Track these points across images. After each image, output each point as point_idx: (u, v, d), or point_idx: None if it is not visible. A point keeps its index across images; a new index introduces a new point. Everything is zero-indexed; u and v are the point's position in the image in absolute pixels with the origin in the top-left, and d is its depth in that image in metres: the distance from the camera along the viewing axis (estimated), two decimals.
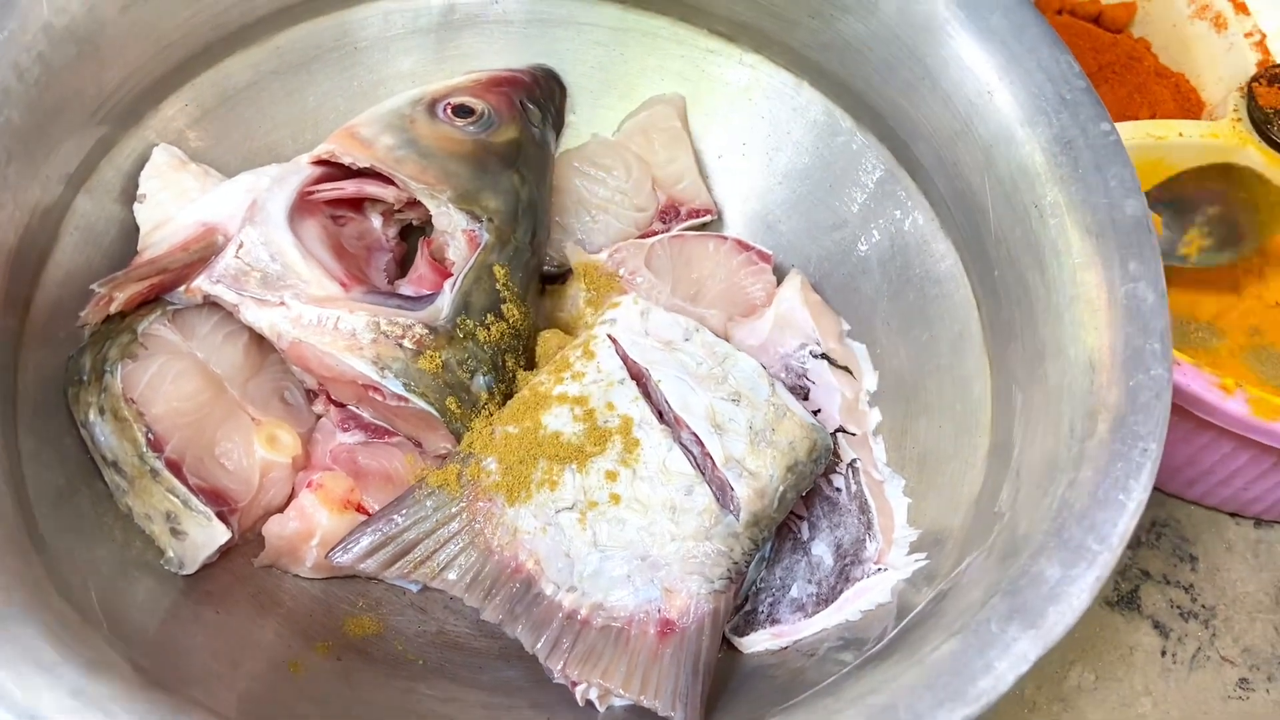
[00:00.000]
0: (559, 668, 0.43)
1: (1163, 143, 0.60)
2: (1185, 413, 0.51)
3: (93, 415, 0.44)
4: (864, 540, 0.48)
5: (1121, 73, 0.68)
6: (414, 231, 0.56)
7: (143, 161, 0.50)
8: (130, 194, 0.50)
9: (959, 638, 0.33)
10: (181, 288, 0.48)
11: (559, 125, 0.61)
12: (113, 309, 0.46)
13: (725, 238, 0.59)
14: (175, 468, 0.44)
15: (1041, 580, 0.34)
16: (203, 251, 0.48)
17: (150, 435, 0.44)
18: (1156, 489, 0.59)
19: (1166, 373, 0.38)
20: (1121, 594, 0.56)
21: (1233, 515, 0.59)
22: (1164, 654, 0.55)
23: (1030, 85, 0.47)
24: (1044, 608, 0.33)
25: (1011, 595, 0.34)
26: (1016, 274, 0.46)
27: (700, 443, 0.45)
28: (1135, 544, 0.58)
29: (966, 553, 0.41)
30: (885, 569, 0.47)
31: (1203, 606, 0.56)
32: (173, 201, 0.49)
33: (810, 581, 0.48)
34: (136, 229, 0.49)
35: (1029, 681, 0.52)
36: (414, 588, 0.49)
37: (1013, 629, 0.33)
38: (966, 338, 0.50)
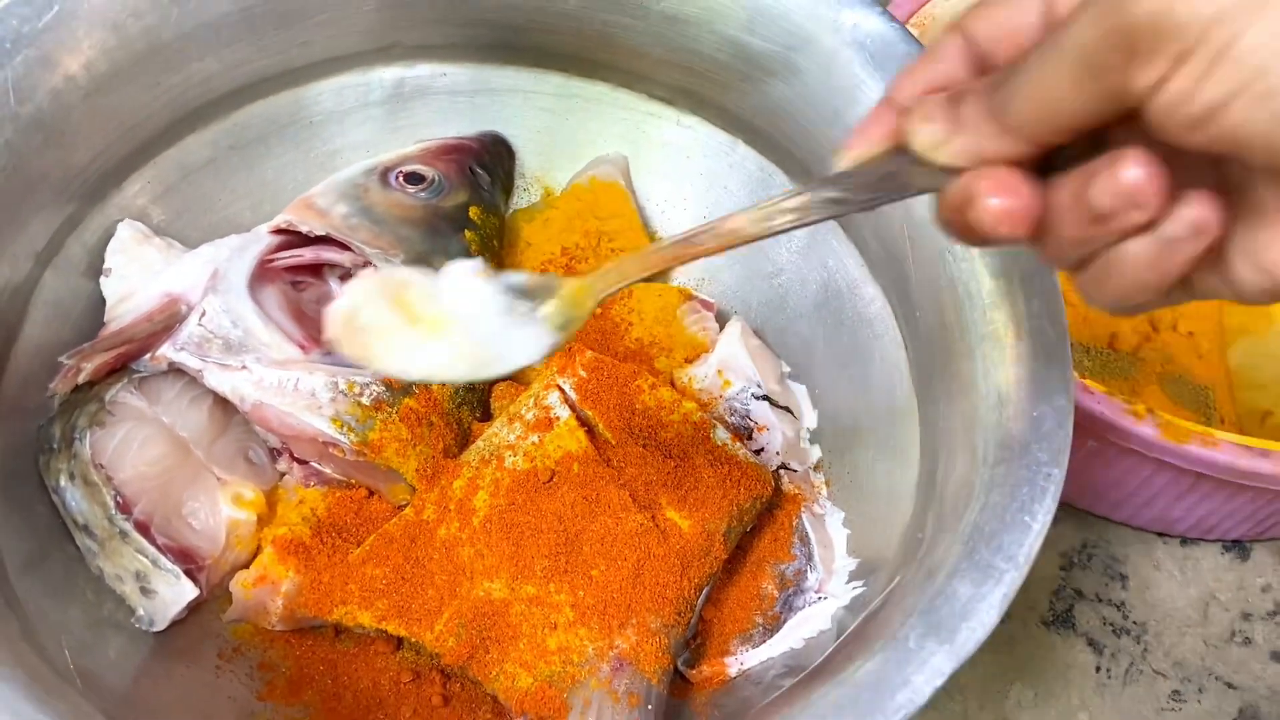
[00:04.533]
0: (519, 707, 0.45)
1: None
2: (1103, 439, 0.54)
3: (63, 481, 0.46)
4: (805, 571, 0.50)
5: None
6: None
7: (108, 237, 0.52)
8: (96, 268, 0.52)
9: (880, 656, 0.36)
10: (147, 356, 0.50)
11: (509, 187, 0.64)
12: (81, 379, 0.48)
13: (670, 286, 0.62)
14: (144, 528, 0.46)
15: (955, 598, 0.36)
16: (167, 321, 0.50)
17: (119, 498, 0.46)
18: (1086, 511, 0.62)
19: (1068, 402, 0.41)
20: (1057, 613, 0.59)
21: (1159, 535, 0.62)
22: (1099, 670, 0.57)
23: None
24: (957, 624, 0.36)
25: (927, 614, 0.36)
26: (936, 314, 0.49)
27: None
28: (1068, 565, 0.61)
29: (894, 577, 0.44)
30: (826, 597, 0.49)
31: (1134, 623, 0.59)
32: (137, 274, 0.52)
33: (756, 613, 0.50)
34: (103, 301, 0.51)
35: (971, 699, 0.54)
36: None
37: (929, 645, 0.35)
38: (896, 376, 0.53)
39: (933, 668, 0.35)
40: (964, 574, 0.37)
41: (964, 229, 0.30)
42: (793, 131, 0.57)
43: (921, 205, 0.50)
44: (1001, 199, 0.28)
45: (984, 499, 0.40)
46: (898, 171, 0.32)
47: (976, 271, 0.46)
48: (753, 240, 0.34)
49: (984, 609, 0.36)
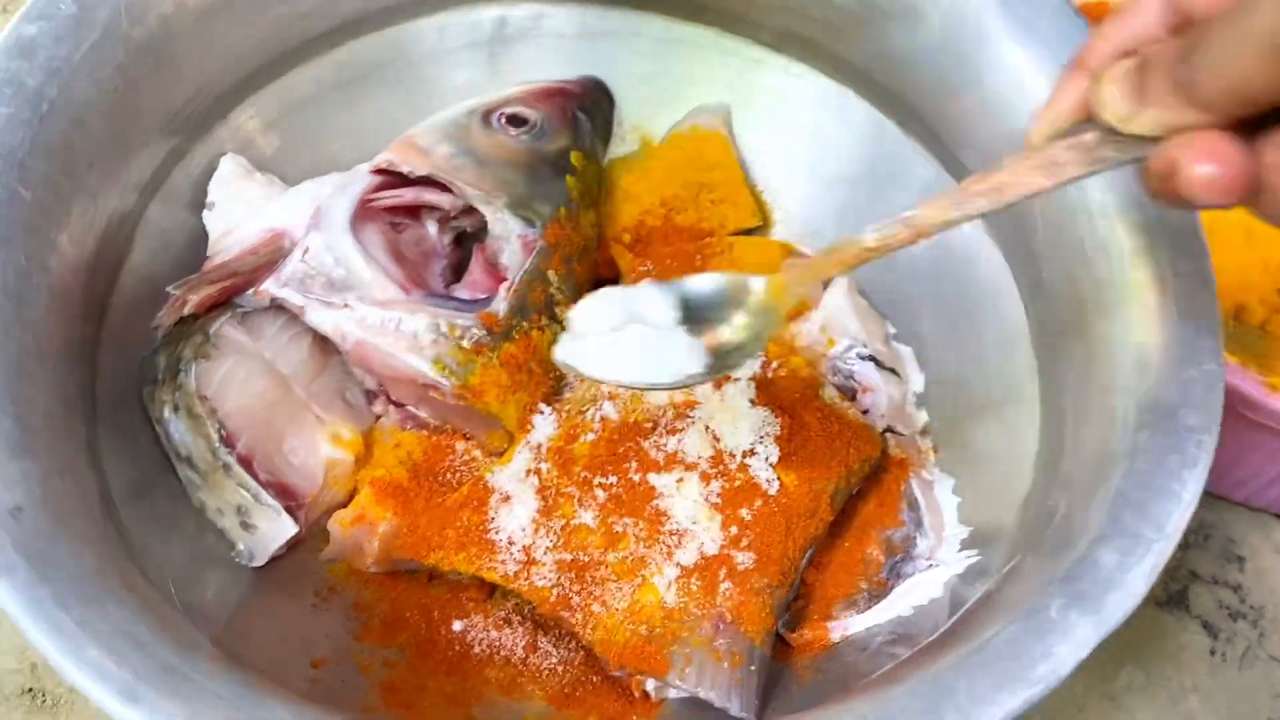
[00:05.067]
0: (617, 660, 0.44)
1: None
2: (1233, 412, 0.51)
3: (168, 413, 0.46)
4: (914, 537, 0.49)
5: None
6: (466, 239, 0.58)
7: (211, 170, 0.52)
8: (199, 201, 0.51)
9: (1017, 625, 0.34)
10: (250, 291, 0.49)
11: (607, 135, 0.63)
12: (186, 310, 0.48)
13: (773, 243, 0.60)
14: (246, 463, 0.46)
15: (1099, 567, 0.34)
16: (270, 256, 0.50)
17: (223, 432, 0.46)
18: (1204, 491, 0.59)
19: (1219, 367, 0.39)
20: (1170, 594, 0.56)
21: (1279, 516, 0.59)
22: (1213, 653, 0.55)
23: None
24: (1102, 595, 0.34)
25: (1068, 583, 0.34)
26: (1065, 275, 0.46)
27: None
28: (1184, 545, 0.58)
29: (1019, 548, 0.42)
30: (937, 565, 0.47)
31: (1251, 607, 0.56)
32: (240, 209, 0.51)
33: (861, 578, 0.48)
34: (205, 235, 0.51)
35: (1079, 680, 0.52)
36: None
37: (1073, 615, 0.33)
38: (1014, 338, 0.51)
39: (1077, 639, 0.33)
40: (1109, 542, 0.35)
41: (1172, 197, 0.29)
42: (912, 82, 0.54)
43: None
44: (1208, 167, 0.27)
45: (1128, 464, 0.37)
46: (1094, 143, 0.31)
47: (1115, 229, 0.44)
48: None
49: (1131, 579, 0.34)
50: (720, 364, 0.40)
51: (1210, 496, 0.59)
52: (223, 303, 0.49)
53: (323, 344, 0.51)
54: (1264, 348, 0.58)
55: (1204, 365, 0.39)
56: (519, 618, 0.48)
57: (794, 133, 0.61)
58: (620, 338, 0.39)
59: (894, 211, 0.57)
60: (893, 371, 0.55)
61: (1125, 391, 0.40)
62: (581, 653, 0.47)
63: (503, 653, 0.48)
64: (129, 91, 0.46)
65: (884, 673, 0.39)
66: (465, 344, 0.49)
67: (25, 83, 0.41)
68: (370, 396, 0.53)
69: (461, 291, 0.53)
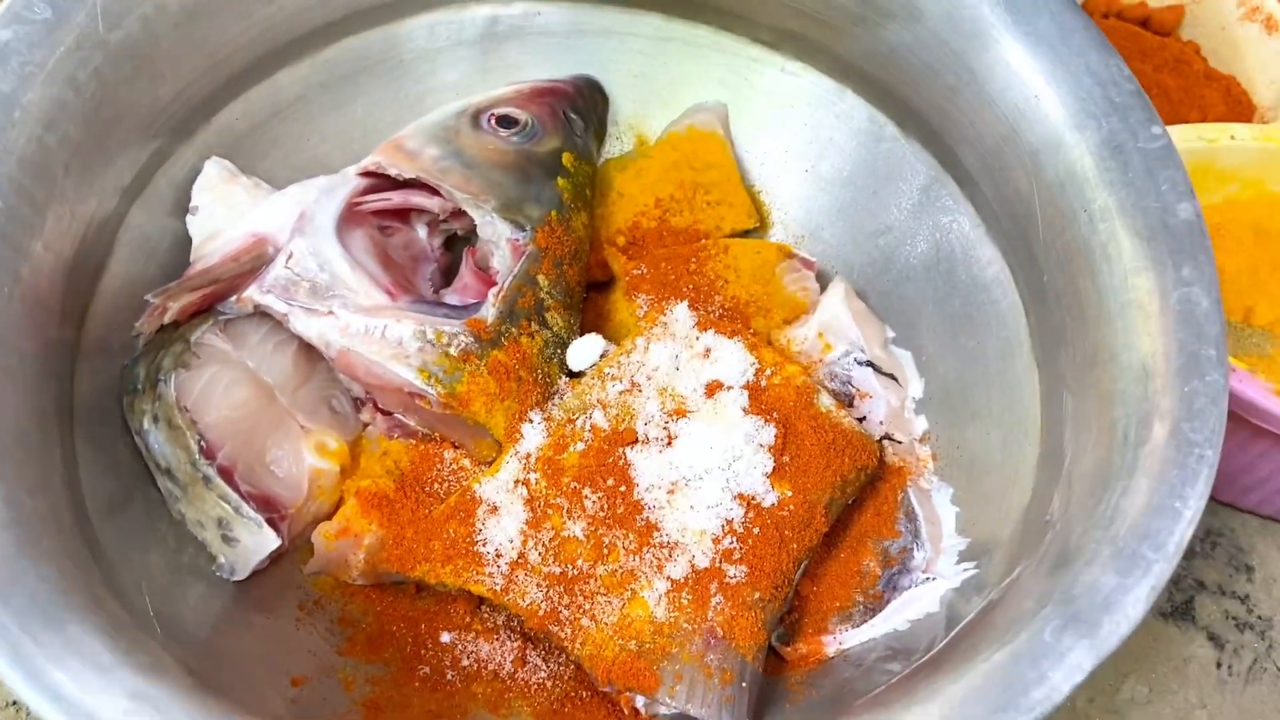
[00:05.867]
0: (606, 676, 0.43)
1: (1214, 145, 0.59)
2: (1240, 420, 0.50)
3: (147, 423, 0.45)
4: (911, 549, 0.48)
5: (1171, 76, 0.67)
6: (458, 241, 0.57)
7: (195, 174, 0.51)
8: (183, 206, 0.50)
9: (1011, 647, 0.33)
10: (233, 298, 0.48)
11: (601, 134, 0.62)
12: (167, 319, 0.47)
13: (768, 243, 0.58)
14: (227, 474, 0.45)
15: (1096, 589, 0.33)
16: (253, 262, 0.49)
17: (203, 443, 0.45)
18: (1211, 498, 0.58)
19: (1222, 379, 0.38)
20: (1176, 605, 0.55)
21: None
22: (1219, 666, 0.53)
23: (1078, 89, 0.46)
24: (1099, 617, 0.33)
25: (1065, 604, 0.33)
26: (1066, 279, 0.45)
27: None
28: (1190, 554, 0.57)
29: (1017, 562, 0.40)
30: (934, 578, 0.46)
31: (1259, 617, 0.55)
32: (224, 213, 0.50)
33: (857, 590, 0.47)
34: (189, 240, 0.50)
35: (1082, 694, 0.51)
36: None
37: (1067, 638, 0.32)
38: (1014, 344, 0.50)
39: (1072, 663, 0.32)
40: (1106, 562, 0.34)
41: None
42: (909, 80, 0.53)
43: (1052, 161, 0.46)
44: None
45: (1127, 481, 0.36)
46: None
47: (1117, 233, 0.43)
48: None
49: (1129, 601, 0.33)
50: None
51: (1217, 503, 0.58)
52: (205, 310, 0.49)
53: (308, 351, 0.50)
54: (1273, 352, 0.57)
55: (1207, 376, 0.38)
56: (507, 631, 0.48)
57: (792, 132, 0.60)
58: None
59: (893, 211, 0.57)
60: (891, 377, 0.54)
61: (1126, 402, 0.39)
62: (571, 667, 0.46)
63: (490, 667, 0.47)
64: (107, 95, 0.45)
65: (877, 694, 0.38)
66: (452, 351, 0.48)
67: None
68: (357, 404, 0.52)
69: (451, 296, 0.52)
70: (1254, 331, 0.58)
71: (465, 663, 0.46)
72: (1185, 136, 0.59)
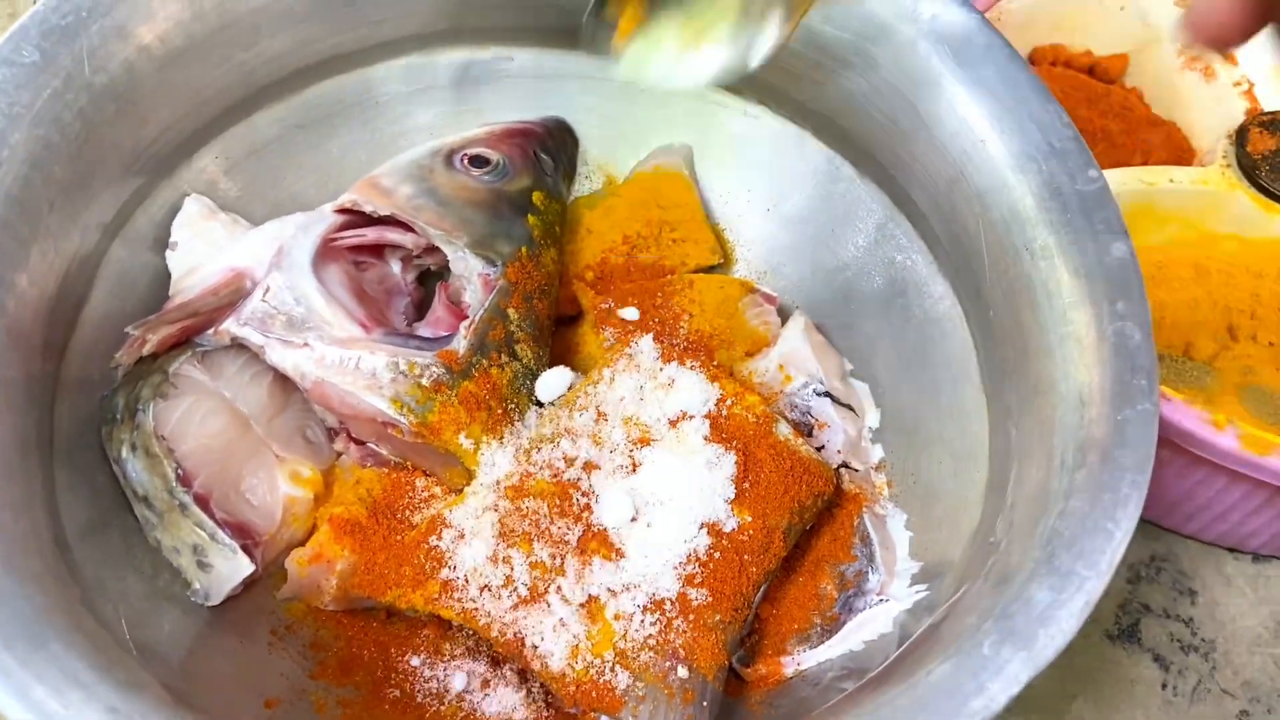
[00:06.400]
0: (571, 698, 0.44)
1: (1154, 188, 0.62)
2: (1180, 449, 0.52)
3: (125, 452, 0.46)
4: (866, 573, 0.49)
5: (1115, 121, 0.70)
6: (432, 276, 0.59)
7: (175, 211, 0.52)
8: (163, 242, 0.52)
9: (953, 661, 0.35)
10: (211, 330, 0.50)
11: (571, 174, 0.64)
12: (146, 350, 0.48)
13: (732, 278, 0.61)
14: (203, 502, 0.46)
15: (1032, 605, 0.35)
16: (231, 296, 0.50)
17: (180, 471, 0.46)
18: (1155, 524, 0.60)
19: (1153, 407, 0.40)
20: (1122, 627, 0.57)
21: (1231, 550, 0.60)
22: (1164, 686, 0.55)
23: (1021, 134, 0.49)
24: (1035, 631, 0.35)
25: (1003, 620, 0.35)
26: (1011, 313, 0.48)
27: None
28: (1135, 578, 0.59)
29: (964, 582, 0.42)
30: (888, 600, 0.48)
31: (1202, 640, 0.57)
32: (203, 249, 0.52)
33: (814, 613, 0.49)
34: (168, 275, 0.52)
35: (1031, 713, 0.53)
36: None
37: (1005, 651, 0.34)
38: (964, 376, 0.52)
39: (1009, 675, 0.34)
40: (1042, 580, 0.36)
41: None
42: (865, 125, 0.55)
43: (997, 202, 0.49)
44: None
45: (1063, 504, 0.38)
46: None
47: (1057, 270, 0.45)
48: None
49: (1064, 616, 0.35)
50: None
51: (1161, 530, 0.60)
52: (183, 342, 0.50)
53: (283, 382, 0.51)
54: (1211, 384, 0.59)
55: (1139, 405, 0.40)
56: (476, 655, 0.49)
57: (754, 172, 0.62)
58: None
59: (850, 249, 0.59)
60: (849, 407, 0.56)
61: (1064, 430, 0.41)
62: (539, 689, 0.48)
63: (459, 690, 0.48)
64: (91, 136, 0.46)
65: (828, 707, 0.39)
66: (424, 382, 0.49)
67: None
68: (331, 434, 0.53)
69: (424, 329, 0.54)
70: (1194, 365, 0.60)
71: (435, 686, 0.48)
72: (1127, 179, 0.62)
